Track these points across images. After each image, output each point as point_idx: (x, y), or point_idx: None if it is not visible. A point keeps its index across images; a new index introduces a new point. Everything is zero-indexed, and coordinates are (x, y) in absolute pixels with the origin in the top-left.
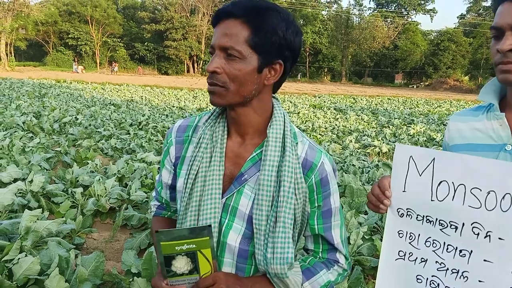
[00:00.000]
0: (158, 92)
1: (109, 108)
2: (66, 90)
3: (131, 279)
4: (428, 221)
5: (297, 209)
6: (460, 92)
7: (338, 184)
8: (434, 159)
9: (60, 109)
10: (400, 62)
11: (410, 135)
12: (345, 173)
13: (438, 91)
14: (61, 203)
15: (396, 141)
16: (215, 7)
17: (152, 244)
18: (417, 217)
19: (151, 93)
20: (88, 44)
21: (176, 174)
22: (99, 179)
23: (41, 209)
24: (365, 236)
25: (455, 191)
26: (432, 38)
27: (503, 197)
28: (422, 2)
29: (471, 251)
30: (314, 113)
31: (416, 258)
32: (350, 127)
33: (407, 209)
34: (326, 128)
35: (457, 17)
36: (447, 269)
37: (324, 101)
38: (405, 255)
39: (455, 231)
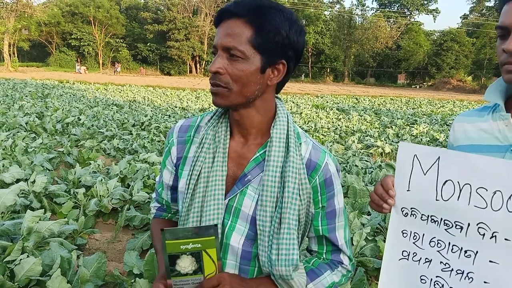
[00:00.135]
0: (161, 92)
1: (112, 108)
2: (69, 90)
3: (133, 280)
4: (433, 221)
5: (301, 210)
6: (463, 92)
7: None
8: (439, 158)
9: (62, 110)
10: (403, 62)
11: (413, 136)
12: (348, 173)
13: (441, 91)
14: (63, 203)
15: (399, 142)
16: (218, 7)
17: None
18: (421, 217)
19: (154, 93)
20: (91, 44)
21: (178, 174)
22: (102, 180)
23: (44, 209)
24: (368, 237)
25: (460, 190)
26: (435, 38)
27: (510, 197)
28: (425, 2)
29: (477, 251)
30: (316, 113)
31: (420, 258)
32: (353, 127)
33: (411, 208)
34: (328, 129)
35: (460, 17)
36: (452, 269)
37: (327, 102)
38: (409, 255)
39: (460, 232)
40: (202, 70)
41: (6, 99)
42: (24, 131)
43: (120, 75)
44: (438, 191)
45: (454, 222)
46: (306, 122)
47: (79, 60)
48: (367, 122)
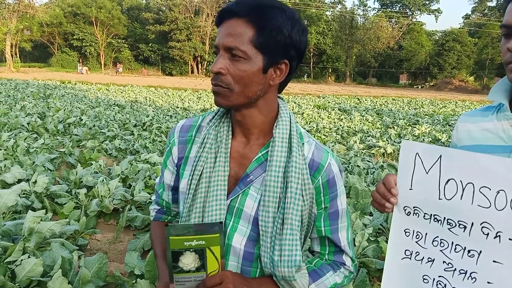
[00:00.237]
0: (162, 93)
1: (113, 109)
2: (70, 91)
3: (134, 281)
4: (435, 220)
5: (304, 211)
6: (465, 92)
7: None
8: (440, 156)
9: (64, 110)
10: (405, 63)
11: (415, 136)
12: (350, 174)
13: (443, 92)
14: (64, 204)
15: (400, 142)
16: (219, 7)
17: None
18: (424, 216)
19: (155, 94)
20: (93, 45)
21: (179, 175)
22: (103, 180)
23: (45, 210)
24: (370, 238)
25: (463, 189)
26: (437, 38)
27: None
28: (427, 2)
29: (480, 251)
30: (318, 113)
31: (423, 257)
32: (355, 127)
33: (414, 207)
34: (330, 129)
35: (462, 17)
36: (455, 269)
37: (329, 102)
38: (411, 254)
39: (464, 231)
40: (204, 70)
41: (8, 100)
42: (26, 132)
43: (122, 75)
44: (441, 190)
45: (458, 221)
46: (308, 123)
47: (81, 61)
48: (369, 122)
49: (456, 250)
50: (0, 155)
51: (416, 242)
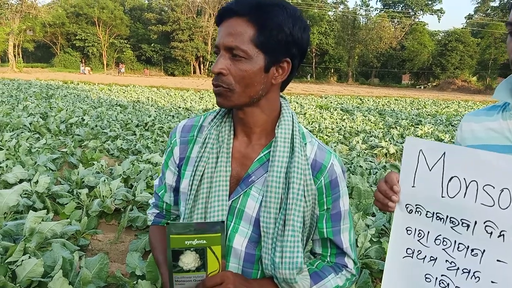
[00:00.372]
0: (165, 93)
1: (116, 109)
2: (73, 91)
3: (135, 282)
4: (438, 218)
5: (306, 212)
6: (468, 92)
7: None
8: (444, 153)
9: (66, 110)
10: (407, 63)
11: (418, 136)
12: (352, 174)
13: (446, 92)
14: (66, 204)
15: (403, 142)
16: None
17: None
18: (426, 214)
19: (158, 94)
20: (95, 45)
21: (180, 175)
22: (105, 180)
23: (46, 210)
24: (373, 238)
25: (466, 187)
26: (440, 38)
27: None
28: (429, 2)
29: (484, 250)
30: (320, 114)
31: (425, 256)
32: (357, 128)
33: (416, 205)
34: (332, 129)
35: (465, 17)
36: (458, 268)
37: (331, 102)
38: (413, 252)
39: (467, 230)
40: (206, 70)
41: (10, 100)
42: (28, 132)
43: (124, 75)
44: (444, 187)
45: (461, 219)
46: (310, 123)
47: (83, 61)
48: (371, 122)
49: (459, 249)
50: (2, 155)
51: (418, 240)
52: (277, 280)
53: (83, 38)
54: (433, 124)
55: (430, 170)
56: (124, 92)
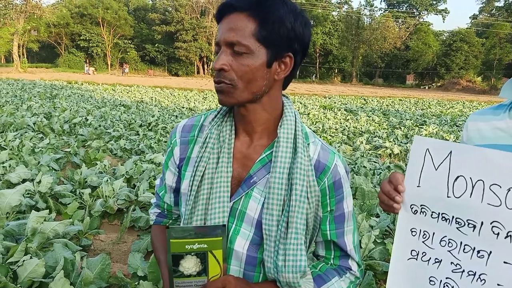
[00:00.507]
0: (168, 93)
1: (119, 109)
2: (77, 91)
3: (137, 283)
4: (443, 218)
5: (309, 214)
6: (473, 93)
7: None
8: (451, 152)
9: (70, 110)
10: (412, 63)
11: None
12: (356, 175)
13: (451, 92)
14: (69, 204)
15: (408, 143)
16: None
17: None
18: (431, 214)
19: (161, 94)
20: (100, 45)
21: (181, 176)
22: (107, 180)
23: (49, 210)
24: (376, 239)
25: (473, 187)
26: (444, 38)
27: None
28: (434, 2)
29: (490, 252)
30: (324, 114)
31: (430, 258)
32: (361, 128)
33: (421, 205)
34: (336, 129)
35: (470, 17)
36: (463, 270)
37: (335, 102)
38: (418, 254)
39: (473, 230)
40: (210, 71)
41: (14, 100)
42: (32, 131)
43: (128, 76)
44: (450, 187)
45: (467, 220)
46: (314, 123)
47: (87, 61)
48: (375, 123)
49: (464, 251)
50: (5, 154)
51: (423, 242)
52: (280, 283)
53: (87, 38)
54: (437, 125)
55: (436, 170)
56: (128, 92)
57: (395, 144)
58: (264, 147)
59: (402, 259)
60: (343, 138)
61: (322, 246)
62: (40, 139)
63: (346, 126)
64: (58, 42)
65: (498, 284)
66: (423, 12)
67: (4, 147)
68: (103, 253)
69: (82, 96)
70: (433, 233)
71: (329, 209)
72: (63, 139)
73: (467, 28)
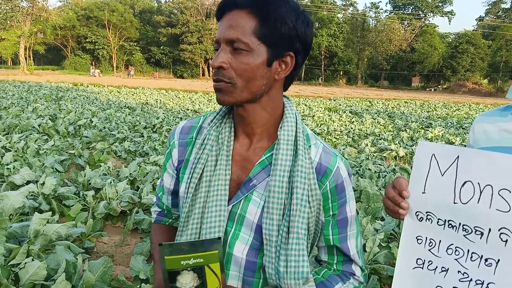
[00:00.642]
0: (173, 95)
1: (124, 111)
2: (82, 93)
3: (138, 286)
4: (450, 226)
5: (311, 218)
6: (479, 95)
7: (353, 189)
8: (458, 157)
9: (75, 112)
10: (417, 65)
11: (428, 139)
12: (361, 177)
13: (457, 94)
14: (72, 206)
15: (413, 145)
16: None
17: None
18: (438, 222)
19: (166, 96)
20: (105, 48)
21: (179, 178)
22: (111, 182)
23: (52, 212)
24: (381, 243)
25: (480, 192)
26: (450, 40)
27: None
28: (440, 4)
29: (498, 260)
30: (329, 116)
31: (436, 267)
32: (366, 130)
33: (426, 212)
34: (341, 132)
35: (476, 19)
36: (471, 279)
37: (340, 104)
38: (424, 263)
39: (481, 238)
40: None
41: (20, 102)
42: (37, 133)
43: (133, 78)
44: (456, 193)
45: (474, 227)
46: (319, 125)
47: (93, 63)
48: (380, 125)
49: (472, 259)
50: (9, 156)
51: (429, 250)
52: None
53: (93, 40)
54: (443, 127)
55: (442, 175)
56: (133, 94)
57: (400, 146)
58: (264, 149)
59: (407, 268)
60: (348, 140)
61: (324, 251)
62: (45, 141)
63: (351, 128)
64: (64, 44)
65: None
66: (429, 14)
67: (9, 148)
68: (105, 256)
69: (87, 98)
70: (440, 241)
71: (331, 213)
72: (67, 141)
73: (473, 30)
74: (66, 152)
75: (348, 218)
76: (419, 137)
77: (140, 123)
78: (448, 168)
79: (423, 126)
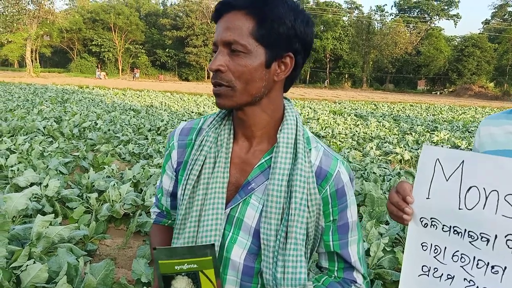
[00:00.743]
0: (178, 98)
1: (129, 113)
2: (88, 95)
3: None
4: (455, 232)
5: (310, 223)
6: (485, 99)
7: (357, 193)
8: (463, 161)
9: (80, 114)
10: (423, 68)
11: (434, 143)
12: (366, 181)
13: (463, 98)
14: (75, 208)
15: (418, 149)
16: None
17: None
18: (443, 228)
19: (171, 99)
20: (111, 50)
21: (178, 180)
22: (114, 184)
23: (55, 214)
24: (386, 248)
25: (486, 198)
26: (456, 43)
27: None
28: (446, 7)
29: (505, 267)
30: (334, 119)
31: (442, 274)
32: (371, 133)
33: (431, 218)
34: (346, 135)
35: (482, 22)
36: (477, 287)
37: (345, 107)
38: (429, 270)
39: (487, 244)
40: None
41: (26, 104)
42: (42, 135)
43: (139, 80)
44: (461, 198)
45: (480, 234)
46: (324, 128)
47: (99, 66)
48: (385, 128)
49: (478, 266)
50: (14, 158)
51: (435, 257)
52: None
53: (99, 43)
54: (449, 131)
55: (447, 180)
56: (138, 97)
57: (405, 150)
58: (263, 152)
59: (413, 275)
60: (353, 143)
61: (325, 258)
62: (49, 143)
63: (356, 131)
64: (71, 47)
65: None
66: (435, 17)
67: (14, 150)
68: (107, 259)
69: (92, 100)
70: (445, 248)
71: (331, 218)
72: (72, 143)
73: (479, 33)
74: (71, 155)
75: (349, 223)
76: (425, 141)
77: (144, 126)
78: (453, 173)
79: (429, 130)
